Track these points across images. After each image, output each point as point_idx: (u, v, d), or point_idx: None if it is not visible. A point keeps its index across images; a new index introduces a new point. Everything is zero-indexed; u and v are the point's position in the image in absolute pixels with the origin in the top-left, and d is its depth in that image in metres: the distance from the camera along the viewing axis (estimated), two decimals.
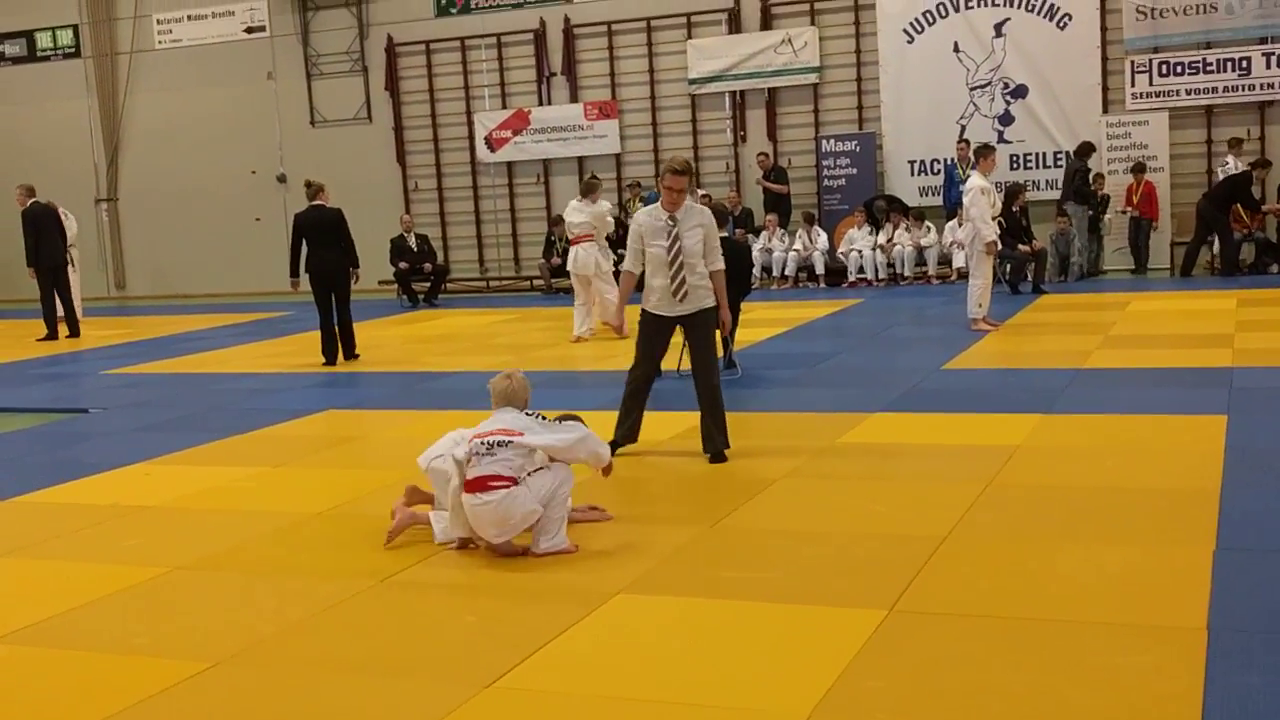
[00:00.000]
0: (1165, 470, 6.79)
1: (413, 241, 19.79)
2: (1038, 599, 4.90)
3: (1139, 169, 17.67)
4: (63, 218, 17.23)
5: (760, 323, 13.57)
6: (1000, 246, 13.49)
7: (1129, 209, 17.78)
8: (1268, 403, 8.42)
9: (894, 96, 19.10)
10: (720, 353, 8.56)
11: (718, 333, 7.93)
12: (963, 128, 18.64)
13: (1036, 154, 18.62)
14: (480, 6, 21.18)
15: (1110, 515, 6.00)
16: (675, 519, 6.41)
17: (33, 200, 16.80)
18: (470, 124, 21.43)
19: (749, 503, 6.60)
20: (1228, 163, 17.13)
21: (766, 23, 19.76)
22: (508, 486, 5.64)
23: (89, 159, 23.86)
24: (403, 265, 19.49)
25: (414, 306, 19.23)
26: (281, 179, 22.47)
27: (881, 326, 13.81)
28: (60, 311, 16.77)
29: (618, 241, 15.94)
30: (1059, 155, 18.40)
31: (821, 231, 18.87)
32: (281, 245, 21.06)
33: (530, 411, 5.95)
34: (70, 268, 17.27)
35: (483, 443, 5.75)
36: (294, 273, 13.14)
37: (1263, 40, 17.52)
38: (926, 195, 18.98)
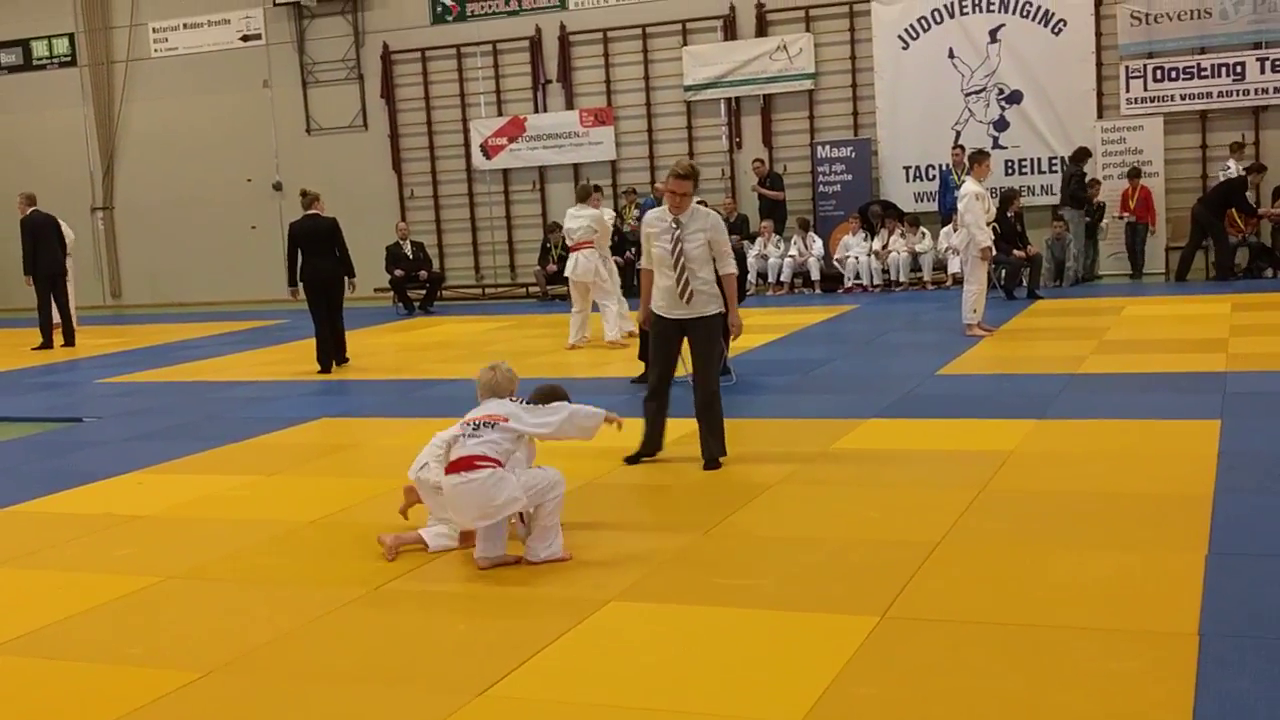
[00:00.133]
0: (1158, 475, 6.79)
1: (408, 249, 19.81)
2: (1030, 604, 4.90)
3: (1134, 174, 17.70)
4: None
5: (755, 329, 13.52)
6: (995, 252, 13.50)
7: (1125, 214, 17.80)
8: (1261, 407, 8.42)
9: (889, 102, 19.13)
10: None
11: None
12: (958, 133, 18.66)
13: (1031, 159, 18.64)
14: (476, 14, 21.21)
15: (1103, 520, 6.01)
16: (668, 526, 6.41)
17: (33, 209, 16.81)
18: (466, 131, 21.45)
19: (743, 509, 6.60)
20: (1229, 167, 17.16)
21: (762, 29, 19.79)
22: (493, 468, 5.60)
23: (85, 167, 23.87)
24: (398, 272, 19.51)
25: (409, 314, 19.24)
26: (277, 187, 22.48)
27: (876, 332, 13.81)
28: (57, 320, 16.78)
29: (614, 248, 15.90)
30: (1054, 161, 18.43)
31: (817, 237, 18.89)
32: (277, 253, 21.11)
33: (516, 398, 5.93)
34: (67, 277, 17.28)
35: (469, 425, 5.74)
36: (291, 281, 13.16)
37: (1257, 45, 17.55)
38: (922, 201, 19.00)
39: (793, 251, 18.82)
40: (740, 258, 11.82)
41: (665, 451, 8.01)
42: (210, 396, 11.69)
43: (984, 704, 4.04)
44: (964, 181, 13.54)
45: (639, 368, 10.94)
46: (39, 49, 24.10)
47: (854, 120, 19.49)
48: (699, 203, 7.86)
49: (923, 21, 18.87)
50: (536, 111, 21.07)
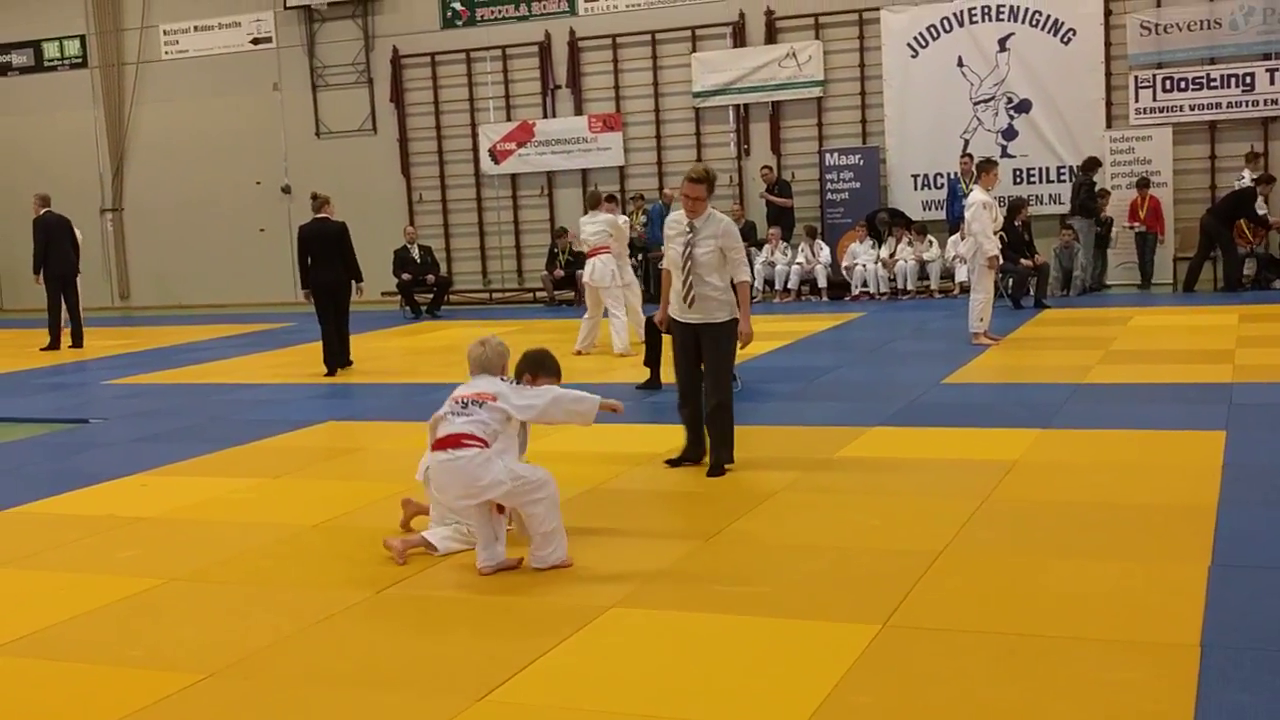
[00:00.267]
0: (1162, 486, 6.78)
1: (416, 253, 19.83)
2: (1031, 615, 4.90)
3: (1143, 183, 17.68)
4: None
5: (762, 336, 13.47)
6: (1002, 261, 13.49)
7: (1134, 224, 17.78)
8: (1267, 419, 8.41)
9: (898, 110, 19.12)
10: None
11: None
12: (966, 142, 18.65)
13: (1040, 168, 18.63)
14: (485, 19, 21.25)
15: (1106, 531, 6.00)
16: (671, 532, 6.42)
17: (46, 209, 16.88)
18: (475, 136, 21.47)
19: (746, 516, 6.60)
20: (1243, 176, 17.13)
21: (771, 36, 19.80)
22: (480, 447, 5.57)
23: (94, 169, 23.92)
24: (406, 276, 19.53)
25: (417, 318, 19.26)
26: (286, 190, 22.52)
27: (882, 340, 13.80)
28: (66, 321, 16.84)
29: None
30: (1062, 170, 18.42)
31: (824, 245, 18.88)
32: (285, 256, 21.24)
33: (506, 378, 5.87)
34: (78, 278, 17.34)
35: (457, 403, 5.70)
36: (304, 284, 13.22)
37: (1266, 56, 17.54)
38: (929, 209, 18.99)
39: (800, 259, 18.81)
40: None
41: (669, 457, 8.02)
42: (216, 399, 11.72)
43: (984, 714, 4.03)
44: (972, 190, 13.52)
45: (644, 374, 10.95)
46: (50, 50, 24.17)
47: (862, 128, 19.50)
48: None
49: (932, 30, 18.87)
50: (545, 117, 21.09)
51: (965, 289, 15.01)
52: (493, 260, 21.86)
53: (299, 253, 13.16)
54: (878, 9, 19.12)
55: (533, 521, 5.72)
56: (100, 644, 5.13)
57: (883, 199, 19.23)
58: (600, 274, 13.36)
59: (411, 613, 5.36)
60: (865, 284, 18.43)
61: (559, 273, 19.70)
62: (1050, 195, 18.51)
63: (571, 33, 20.72)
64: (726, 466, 7.57)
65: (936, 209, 18.83)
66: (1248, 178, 17.06)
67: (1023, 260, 16.13)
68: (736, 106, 20.08)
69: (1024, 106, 18.61)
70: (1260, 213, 16.90)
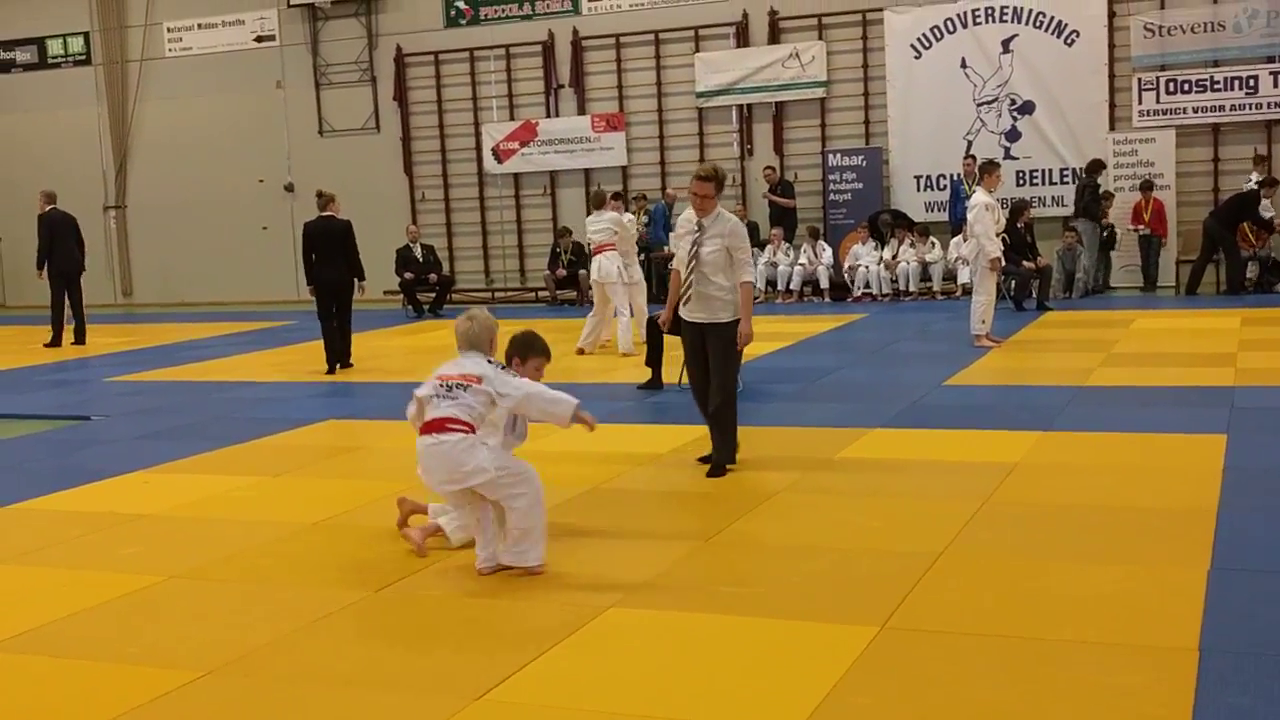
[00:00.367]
0: (1163, 489, 6.77)
1: (419, 252, 19.84)
2: (1030, 617, 4.89)
3: (1147, 186, 17.66)
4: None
5: (764, 337, 13.52)
6: (1004, 263, 13.48)
7: (1138, 226, 17.76)
8: (1268, 423, 8.40)
9: (901, 112, 19.11)
10: None
11: None
12: (969, 143, 18.64)
13: (1043, 170, 18.61)
14: (489, 18, 21.25)
15: (1106, 534, 5.99)
16: (671, 533, 6.41)
17: (52, 206, 16.89)
18: (478, 135, 21.48)
19: (746, 517, 6.60)
20: (1251, 178, 17.10)
21: (774, 37, 19.79)
22: (466, 432, 5.54)
23: (98, 166, 23.93)
24: (408, 275, 19.53)
25: (419, 317, 19.26)
26: (289, 188, 22.53)
27: (884, 342, 13.80)
28: (70, 318, 16.85)
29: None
30: (1065, 172, 18.41)
31: (827, 246, 18.87)
32: (287, 254, 21.26)
33: (493, 360, 5.76)
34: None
35: (443, 384, 5.64)
36: (310, 280, 13.25)
37: (1270, 59, 17.51)
38: (932, 210, 18.98)
39: (802, 260, 18.80)
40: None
41: (669, 458, 8.04)
42: (218, 396, 11.72)
43: (982, 716, 4.03)
44: (975, 192, 13.51)
45: (646, 374, 10.96)
46: (54, 47, 24.19)
47: (865, 129, 19.49)
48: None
49: (935, 31, 18.86)
50: (548, 116, 21.09)
51: (967, 291, 15.01)
52: (495, 259, 21.86)
53: (304, 249, 13.17)
54: (881, 10, 19.11)
55: (513, 516, 5.64)
56: (99, 641, 5.13)
57: (885, 200, 19.22)
58: (607, 270, 13.40)
59: (410, 612, 5.36)
60: (868, 285, 18.42)
61: (561, 272, 19.70)
62: (1053, 197, 18.50)
63: (575, 32, 20.72)
64: (728, 467, 7.56)
65: (939, 210, 18.82)
66: (1255, 180, 17.05)
67: (1025, 262, 16.13)
68: (739, 107, 20.07)
69: (1027, 108, 18.60)
70: (1264, 216, 16.88)
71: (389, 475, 7.61)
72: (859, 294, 18.42)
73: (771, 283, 18.81)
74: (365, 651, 4.89)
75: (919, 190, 19.17)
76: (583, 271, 17.93)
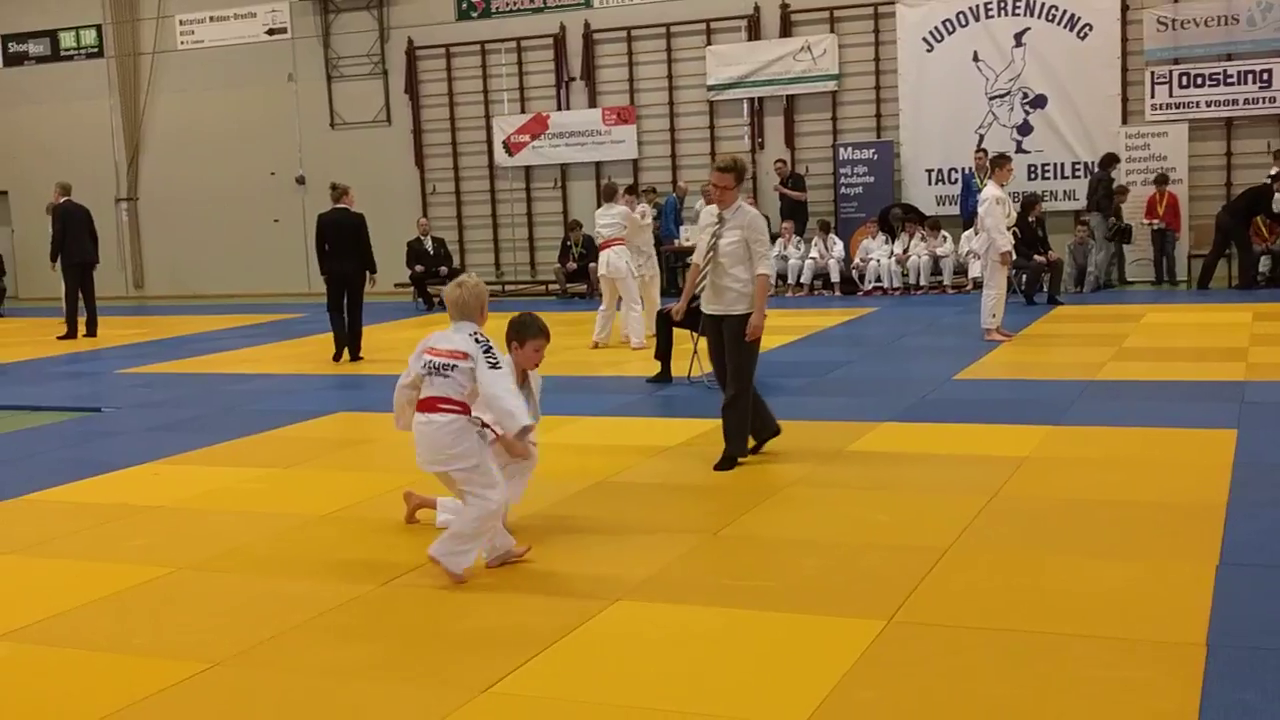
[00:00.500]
0: (1172, 484, 6.76)
1: (429, 245, 19.87)
2: (1037, 612, 4.89)
3: (1162, 180, 17.60)
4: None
5: (774, 330, 13.48)
6: (1015, 257, 13.45)
7: (1153, 221, 17.70)
8: (1279, 417, 8.37)
9: (912, 105, 19.08)
10: None
11: None
12: (981, 137, 18.62)
13: (1055, 164, 18.58)
14: (500, 10, 21.25)
15: (1115, 529, 5.98)
16: (678, 526, 6.40)
17: (66, 198, 16.94)
18: (489, 128, 21.49)
19: (753, 510, 6.59)
20: (1274, 171, 17.03)
21: (786, 30, 19.76)
22: (457, 411, 5.49)
23: (110, 159, 24.01)
24: (419, 268, 19.55)
25: (429, 310, 19.28)
26: (300, 181, 22.57)
27: (895, 336, 13.78)
28: (82, 310, 16.91)
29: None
30: (1077, 165, 18.36)
31: (838, 239, 18.84)
32: (299, 247, 21.30)
33: (482, 337, 5.64)
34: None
35: (433, 363, 5.57)
36: (323, 270, 13.31)
37: None
38: (943, 204, 18.94)
39: (813, 253, 18.77)
40: None
41: (678, 451, 8.03)
42: (228, 389, 11.75)
43: (988, 711, 4.02)
44: (986, 185, 13.48)
45: (657, 367, 10.95)
46: (66, 40, 24.25)
47: (877, 122, 19.46)
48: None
49: (947, 24, 18.82)
50: (559, 109, 21.09)
51: (978, 284, 14.98)
52: (505, 252, 21.88)
53: (317, 240, 13.24)
54: (893, 3, 19.08)
55: (465, 514, 5.57)
56: (107, 632, 5.15)
57: (897, 194, 19.19)
58: (614, 265, 13.35)
59: (417, 604, 5.37)
60: (878, 279, 18.40)
61: (572, 265, 19.70)
62: (1065, 191, 18.46)
63: (586, 25, 20.71)
64: (740, 460, 7.55)
65: (950, 204, 18.78)
66: (1272, 174, 16.98)
67: (1036, 256, 16.09)
68: (751, 100, 20.06)
69: (1039, 102, 18.55)
70: (1277, 210, 16.81)
71: (398, 468, 7.60)
72: (869, 288, 18.39)
73: (782, 276, 18.75)
74: (372, 644, 4.90)
75: (930, 184, 19.15)
76: (593, 265, 17.93)
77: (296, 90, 22.65)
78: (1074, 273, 17.30)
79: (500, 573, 5.68)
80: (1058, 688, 4.16)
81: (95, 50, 24.03)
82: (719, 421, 7.69)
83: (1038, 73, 18.49)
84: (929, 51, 18.95)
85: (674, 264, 19.17)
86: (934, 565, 5.47)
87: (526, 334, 6.09)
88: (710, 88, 20.13)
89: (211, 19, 23.10)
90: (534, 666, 4.55)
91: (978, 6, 18.65)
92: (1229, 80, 17.70)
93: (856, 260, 18.64)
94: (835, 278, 18.64)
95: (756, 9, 19.83)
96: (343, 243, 12.99)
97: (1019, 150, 18.22)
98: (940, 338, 13.53)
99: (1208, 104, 17.79)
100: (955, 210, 18.53)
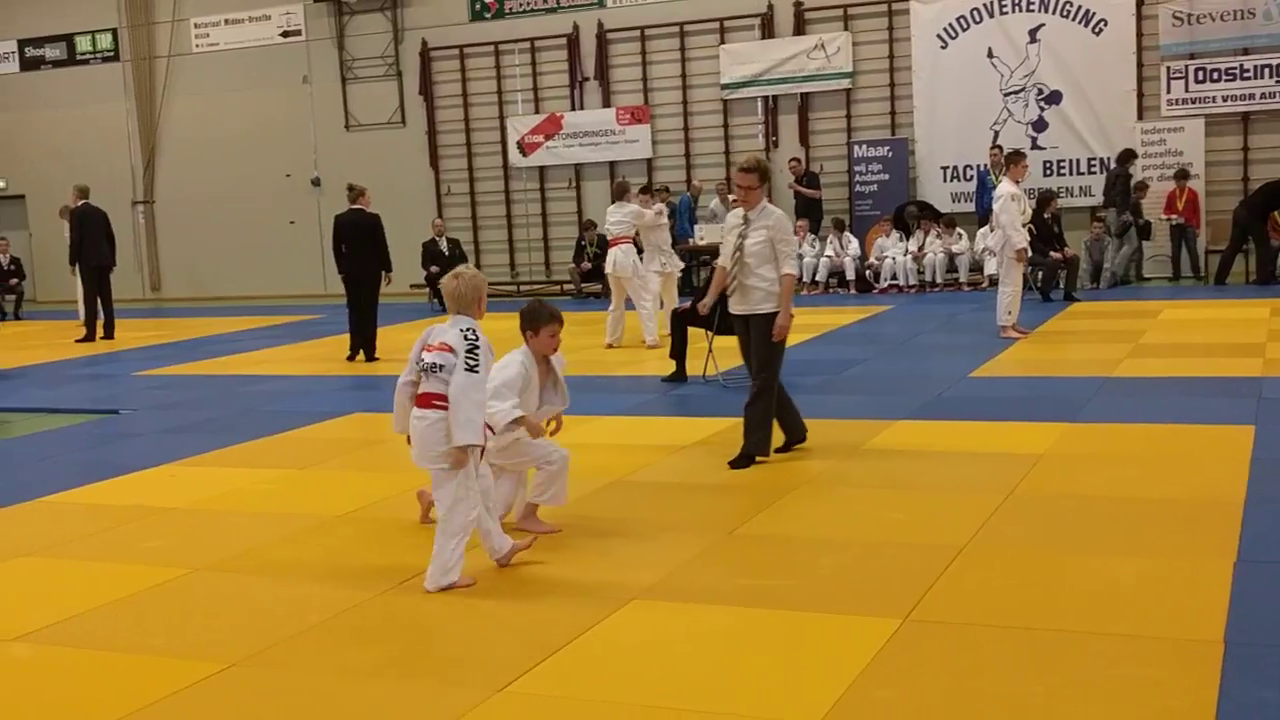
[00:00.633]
0: (1189, 481, 6.73)
1: (444, 245, 19.88)
2: (1054, 610, 4.87)
3: (1182, 175, 17.53)
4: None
5: (790, 328, 13.51)
6: (1031, 253, 13.41)
7: (1172, 216, 17.62)
8: None
9: (927, 102, 19.04)
10: None
11: None
12: (996, 134, 18.56)
13: (1070, 160, 18.51)
14: (514, 11, 21.27)
15: (1131, 526, 5.96)
16: (693, 525, 6.40)
17: (83, 201, 17.02)
18: (503, 128, 21.51)
19: (769, 509, 6.59)
20: None
21: (799, 27, 19.74)
22: (447, 409, 5.43)
23: (126, 162, 24.10)
24: (434, 269, 19.56)
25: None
26: (316, 182, 22.62)
27: (910, 333, 13.75)
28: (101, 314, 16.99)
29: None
30: (1093, 162, 18.29)
31: (853, 237, 18.81)
32: (315, 248, 21.37)
33: (473, 333, 5.52)
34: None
35: (426, 360, 5.54)
36: (340, 270, 13.38)
37: None
38: (959, 201, 18.90)
39: (828, 251, 18.75)
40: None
41: (693, 450, 8.02)
42: (244, 390, 11.78)
43: (1004, 709, 4.01)
44: (1001, 182, 13.45)
45: (672, 367, 10.95)
46: (83, 44, 24.35)
47: (891, 120, 19.42)
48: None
49: (962, 21, 18.77)
50: (573, 109, 21.10)
51: (994, 282, 14.95)
52: (520, 253, 21.90)
53: (334, 241, 13.31)
54: (907, 0, 19.03)
55: (441, 524, 5.50)
56: (123, 633, 5.17)
57: (912, 191, 19.15)
58: (621, 264, 13.34)
59: (433, 603, 5.37)
60: (894, 276, 18.37)
61: (586, 265, 19.71)
62: (1080, 188, 18.40)
63: (600, 25, 20.71)
64: (758, 458, 7.54)
65: (965, 201, 18.73)
66: None
67: (1052, 253, 16.04)
68: (765, 98, 20.04)
69: (1054, 98, 18.49)
70: None
71: (414, 469, 7.58)
72: (885, 285, 18.36)
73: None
74: (388, 645, 4.91)
75: (945, 181, 19.10)
76: None
77: (311, 92, 22.70)
78: (1090, 269, 17.24)
79: (515, 573, 5.68)
80: (1074, 686, 4.14)
81: (111, 54, 24.13)
82: (734, 420, 7.69)
83: (1052, 69, 18.43)
84: (943, 48, 18.91)
85: (689, 263, 19.13)
86: (950, 563, 5.46)
87: (539, 321, 6.12)
88: (724, 86, 20.11)
89: (226, 22, 23.17)
90: (549, 666, 4.55)
91: (992, 3, 18.61)
92: (1245, 75, 17.62)
93: (872, 258, 18.62)
94: (850, 275, 18.61)
95: (770, 7, 19.81)
96: (358, 243, 13.06)
97: (1034, 147, 18.16)
98: (956, 335, 13.50)
99: (1224, 99, 17.71)
100: (970, 207, 18.48)
